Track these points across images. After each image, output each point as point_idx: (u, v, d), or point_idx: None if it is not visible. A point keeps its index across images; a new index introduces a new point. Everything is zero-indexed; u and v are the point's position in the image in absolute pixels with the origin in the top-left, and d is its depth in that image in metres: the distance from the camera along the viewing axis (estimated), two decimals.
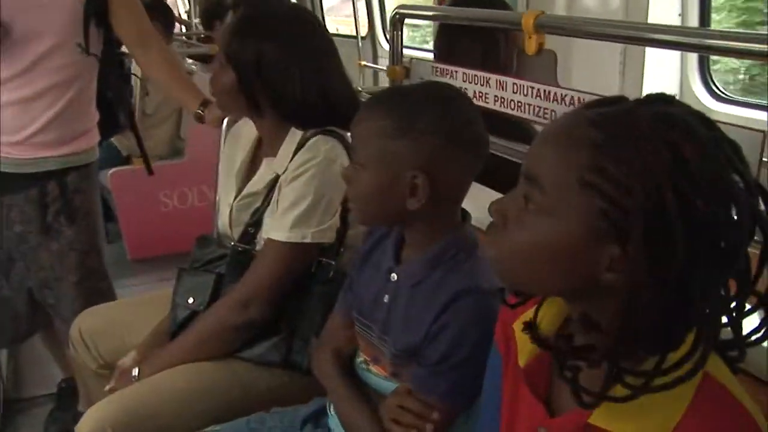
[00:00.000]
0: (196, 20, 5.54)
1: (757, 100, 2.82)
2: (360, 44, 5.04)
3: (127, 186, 3.58)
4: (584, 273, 0.75)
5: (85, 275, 2.15)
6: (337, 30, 5.98)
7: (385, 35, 5.10)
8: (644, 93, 1.98)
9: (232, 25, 1.60)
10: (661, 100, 0.76)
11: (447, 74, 1.70)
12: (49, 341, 2.45)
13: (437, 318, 1.15)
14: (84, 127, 2.13)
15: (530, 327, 0.86)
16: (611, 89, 2.20)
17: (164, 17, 3.79)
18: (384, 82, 4.30)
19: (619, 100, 0.78)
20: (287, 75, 1.56)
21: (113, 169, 3.56)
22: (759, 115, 2.55)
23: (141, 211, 3.61)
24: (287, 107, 1.59)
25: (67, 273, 2.13)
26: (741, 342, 0.76)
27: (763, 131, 1.09)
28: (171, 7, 5.50)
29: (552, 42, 1.46)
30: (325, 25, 1.69)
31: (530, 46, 1.40)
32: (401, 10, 1.81)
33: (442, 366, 1.14)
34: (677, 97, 0.77)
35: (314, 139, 1.58)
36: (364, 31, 5.23)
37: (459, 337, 1.13)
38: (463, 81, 1.64)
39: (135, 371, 1.61)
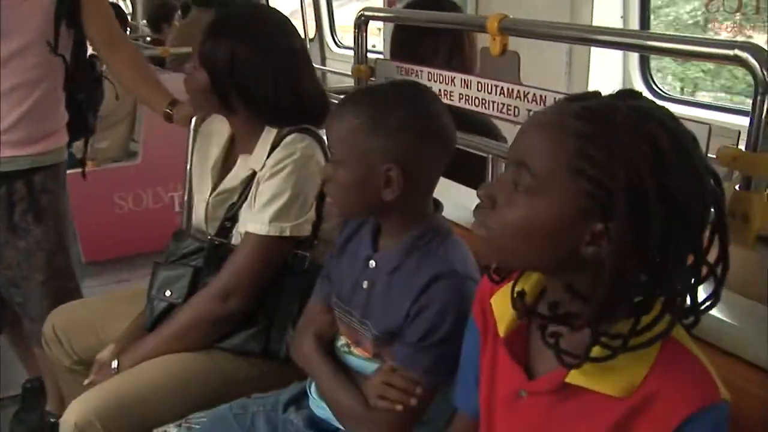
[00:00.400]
0: (142, 22, 5.54)
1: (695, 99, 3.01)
2: (308, 45, 5.10)
3: (80, 188, 3.56)
4: (569, 246, 0.84)
5: (52, 275, 2.16)
6: None
7: (333, 38, 5.19)
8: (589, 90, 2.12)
9: (206, 27, 1.65)
10: (631, 95, 0.87)
11: (412, 73, 1.78)
12: (15, 340, 2.45)
13: (416, 300, 1.23)
14: (52, 128, 2.14)
15: (521, 296, 0.95)
16: (559, 87, 2.32)
17: (119, 20, 3.77)
18: (332, 83, 4.38)
19: (596, 95, 0.88)
20: (260, 75, 1.62)
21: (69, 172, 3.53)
22: (695, 112, 2.74)
23: (95, 213, 3.59)
24: (260, 107, 1.65)
25: (34, 272, 2.14)
26: (697, 308, 0.87)
27: (708, 124, 1.21)
28: None
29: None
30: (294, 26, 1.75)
31: (494, 48, 1.50)
32: (366, 12, 1.89)
33: (424, 342, 1.22)
34: None
35: (291, 137, 1.64)
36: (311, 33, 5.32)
37: (438, 316, 1.21)
38: (428, 80, 1.73)
39: (114, 364, 1.64)
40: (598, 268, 0.82)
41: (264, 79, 1.62)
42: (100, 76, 2.36)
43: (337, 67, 4.84)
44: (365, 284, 1.32)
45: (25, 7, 1.96)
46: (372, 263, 1.32)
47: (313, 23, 5.28)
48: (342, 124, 1.25)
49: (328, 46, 5.22)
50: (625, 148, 0.79)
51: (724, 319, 1.05)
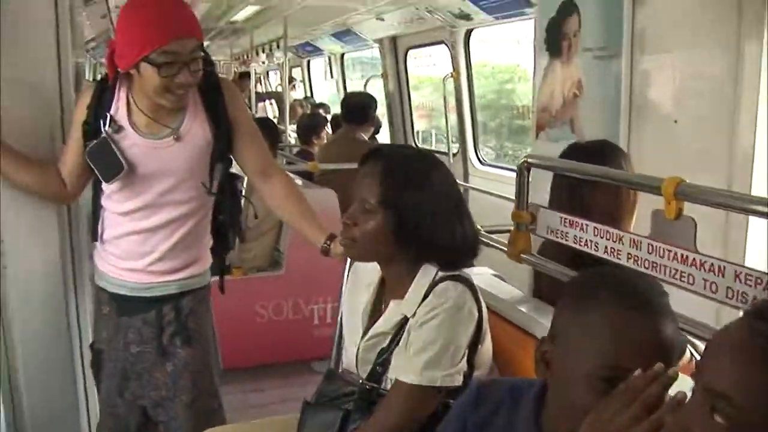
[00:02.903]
0: (291, 132, 5.88)
1: None
2: (450, 161, 5.22)
3: (224, 296, 3.71)
4: None
5: (197, 395, 2.21)
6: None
7: (476, 154, 5.27)
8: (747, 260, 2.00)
9: (379, 174, 1.68)
10: None
11: (576, 226, 1.77)
12: None
13: None
14: (199, 254, 2.23)
15: None
16: (715, 249, 2.20)
17: (272, 135, 4.02)
18: (480, 202, 4.41)
19: None
20: (437, 220, 1.66)
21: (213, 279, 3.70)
22: None
23: (236, 320, 3.70)
24: (424, 251, 1.68)
25: (180, 393, 2.19)
26: None
27: None
28: None
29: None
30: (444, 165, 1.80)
31: (669, 211, 1.47)
32: (529, 159, 1.91)
33: None
34: None
35: (443, 285, 1.66)
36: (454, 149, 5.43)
37: None
38: (594, 234, 1.71)
39: None
40: None
41: (438, 224, 1.67)
42: (242, 197, 2.46)
43: (479, 185, 4.90)
44: None
45: (180, 148, 2.08)
46: None
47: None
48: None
49: (471, 162, 5.31)
50: None
51: None
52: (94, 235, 2.23)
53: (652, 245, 1.56)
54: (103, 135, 2.02)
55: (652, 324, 1.14)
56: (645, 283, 1.22)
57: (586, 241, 1.74)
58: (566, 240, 1.81)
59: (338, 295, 2.16)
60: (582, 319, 1.18)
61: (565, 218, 1.80)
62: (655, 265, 1.54)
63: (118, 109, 2.06)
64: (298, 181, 4.12)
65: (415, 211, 1.65)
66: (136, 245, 2.13)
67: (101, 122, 2.03)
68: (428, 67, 6.46)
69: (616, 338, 1.13)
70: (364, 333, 1.80)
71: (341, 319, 2.06)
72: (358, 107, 4.69)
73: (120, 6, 2.08)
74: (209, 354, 2.29)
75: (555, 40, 3.08)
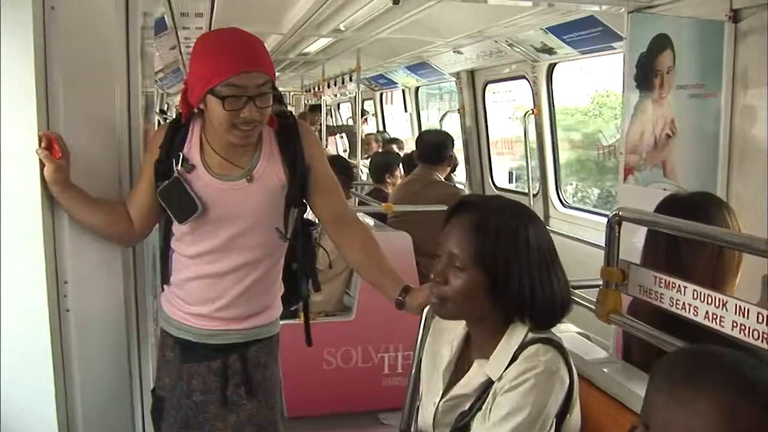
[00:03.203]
0: (362, 168, 5.86)
1: None
2: (531, 202, 5.11)
3: (291, 340, 3.67)
4: None
5: None
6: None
7: (558, 195, 5.13)
8: None
9: (471, 229, 1.60)
10: None
11: (673, 287, 1.65)
12: None
13: None
14: (268, 302, 2.19)
15: None
16: None
17: (346, 175, 3.99)
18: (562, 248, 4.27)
19: None
20: (530, 276, 1.57)
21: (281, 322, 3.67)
22: None
23: (303, 366, 3.65)
24: (521, 309, 1.60)
25: None
26: None
27: None
28: None
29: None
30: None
31: None
32: (621, 213, 1.79)
33: None
34: None
35: (534, 347, 1.57)
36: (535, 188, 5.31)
37: None
38: (694, 297, 1.59)
39: None
40: None
41: (534, 281, 1.58)
42: (316, 244, 2.39)
43: (561, 228, 4.77)
44: None
45: (253, 190, 2.05)
46: None
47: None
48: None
49: (552, 203, 5.17)
50: None
51: None
52: (164, 278, 2.22)
53: (761, 314, 1.42)
54: (175, 175, 2.02)
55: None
56: (752, 362, 1.10)
57: (684, 304, 1.61)
58: (661, 302, 1.70)
59: (411, 343, 2.08)
60: (683, 409, 1.07)
61: (660, 278, 1.68)
62: (765, 335, 1.41)
63: (191, 148, 2.06)
64: (370, 222, 4.09)
65: (509, 269, 1.57)
66: (204, 289, 2.11)
67: (173, 161, 2.03)
68: (507, 102, 6.37)
69: (727, 429, 1.03)
70: (444, 392, 1.71)
71: (415, 373, 1.98)
72: (434, 146, 4.59)
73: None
74: (275, 407, 2.24)
75: (646, 77, 2.97)
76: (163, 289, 2.24)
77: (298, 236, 2.17)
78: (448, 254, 1.62)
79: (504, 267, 1.57)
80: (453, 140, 4.72)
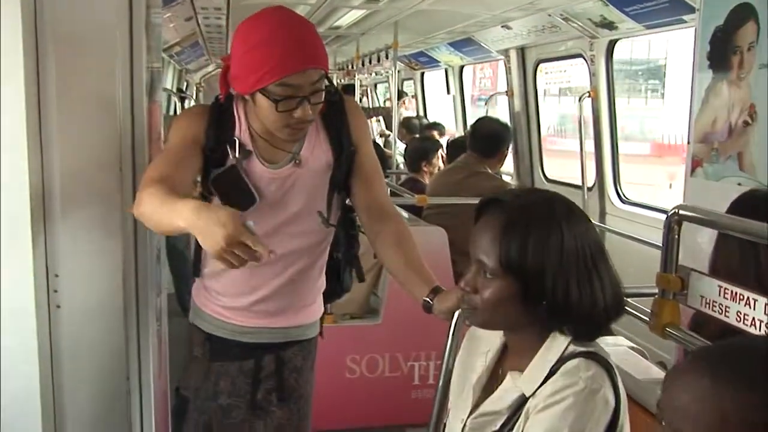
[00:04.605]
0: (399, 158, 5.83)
1: None
2: (585, 196, 5.03)
3: None
4: None
5: None
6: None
7: (616, 188, 5.05)
8: None
9: (498, 231, 1.55)
10: None
11: (741, 300, 1.58)
12: None
13: None
14: (310, 299, 2.20)
15: None
16: None
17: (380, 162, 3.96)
18: (620, 248, 4.20)
19: None
20: (567, 281, 1.52)
21: None
22: None
23: (323, 376, 3.62)
24: (562, 317, 1.55)
25: None
26: None
27: None
28: None
29: None
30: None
31: None
32: (681, 211, 1.72)
33: None
34: None
35: (575, 362, 1.52)
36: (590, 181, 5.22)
37: None
38: (765, 312, 1.52)
39: None
40: None
41: (573, 286, 1.52)
42: (359, 231, 2.36)
43: (618, 227, 4.68)
44: None
45: (301, 175, 2.05)
46: None
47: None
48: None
49: (609, 198, 5.08)
50: None
51: None
52: (195, 269, 2.23)
53: None
54: (233, 162, 2.02)
55: None
56: None
57: (755, 320, 1.54)
58: (726, 316, 1.64)
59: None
60: None
61: (726, 288, 1.61)
62: None
63: (242, 133, 2.05)
64: (404, 214, 4.04)
65: (542, 274, 1.52)
66: (244, 279, 2.11)
67: (228, 147, 2.02)
68: (561, 83, 6.28)
69: None
70: (474, 408, 1.68)
71: (443, 385, 1.97)
72: (491, 137, 4.49)
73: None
74: (307, 418, 2.27)
75: (722, 54, 2.87)
76: (194, 282, 2.26)
77: (341, 223, 2.19)
78: (475, 260, 1.59)
79: (535, 272, 1.52)
80: (511, 134, 4.64)
